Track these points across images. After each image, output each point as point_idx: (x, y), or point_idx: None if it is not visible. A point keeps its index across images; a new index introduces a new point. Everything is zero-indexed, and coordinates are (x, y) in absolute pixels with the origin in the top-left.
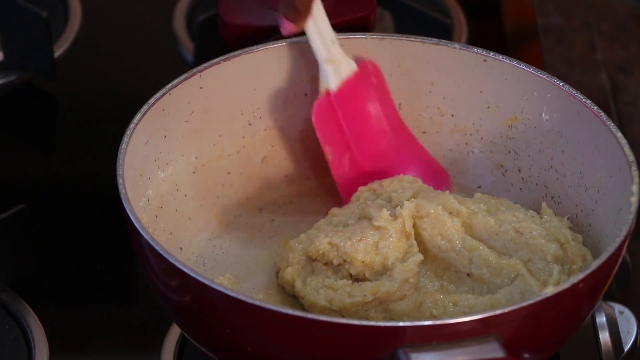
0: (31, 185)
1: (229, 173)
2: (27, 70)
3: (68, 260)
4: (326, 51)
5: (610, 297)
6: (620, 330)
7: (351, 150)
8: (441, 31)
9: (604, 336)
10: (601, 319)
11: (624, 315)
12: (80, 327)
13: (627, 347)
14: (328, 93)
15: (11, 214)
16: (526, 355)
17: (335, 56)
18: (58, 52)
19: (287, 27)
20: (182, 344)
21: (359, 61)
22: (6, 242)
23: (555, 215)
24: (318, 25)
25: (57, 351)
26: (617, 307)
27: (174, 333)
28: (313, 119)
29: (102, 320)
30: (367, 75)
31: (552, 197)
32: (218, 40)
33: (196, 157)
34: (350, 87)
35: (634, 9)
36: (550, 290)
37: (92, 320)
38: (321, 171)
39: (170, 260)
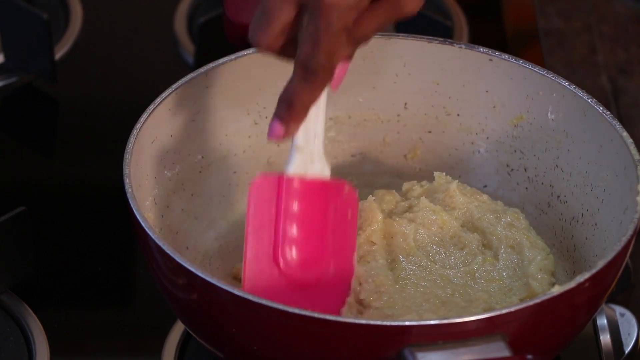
0: (32, 187)
1: (235, 172)
2: (28, 72)
3: (69, 262)
4: (303, 140)
5: (612, 299)
6: (621, 332)
7: (276, 248)
8: (442, 33)
9: (605, 338)
10: (602, 321)
11: (625, 317)
12: (81, 329)
13: (627, 349)
14: (281, 177)
15: (12, 216)
16: (531, 356)
17: (311, 151)
18: (59, 54)
19: (275, 131)
20: (183, 346)
21: (339, 180)
22: (7, 244)
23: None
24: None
25: (58, 353)
26: (618, 309)
27: (175, 335)
28: (250, 194)
29: (103, 322)
30: (337, 193)
31: (558, 197)
32: (219, 41)
33: (202, 157)
34: (309, 188)
35: (634, 11)
36: (556, 290)
37: (93, 322)
38: None
39: (178, 260)
